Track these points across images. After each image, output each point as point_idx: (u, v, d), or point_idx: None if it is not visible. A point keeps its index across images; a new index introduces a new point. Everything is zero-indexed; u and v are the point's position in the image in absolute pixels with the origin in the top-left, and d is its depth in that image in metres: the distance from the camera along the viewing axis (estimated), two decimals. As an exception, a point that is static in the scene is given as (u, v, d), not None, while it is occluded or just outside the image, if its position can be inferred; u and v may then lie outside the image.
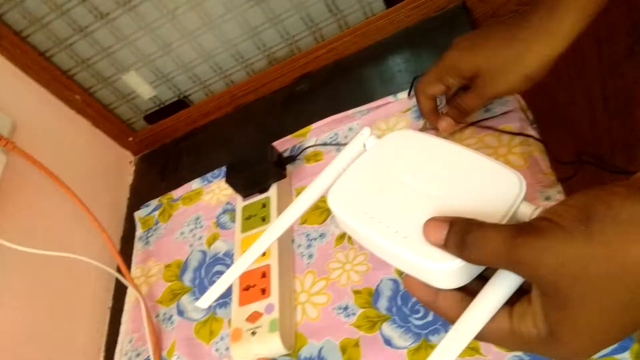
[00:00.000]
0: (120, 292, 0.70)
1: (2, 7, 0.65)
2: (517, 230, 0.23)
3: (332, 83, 0.74)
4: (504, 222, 0.26)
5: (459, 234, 0.25)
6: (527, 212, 0.27)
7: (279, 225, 0.35)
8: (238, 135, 0.78)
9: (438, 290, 0.28)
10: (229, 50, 0.74)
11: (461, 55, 0.46)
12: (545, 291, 0.23)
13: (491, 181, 0.28)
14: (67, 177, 0.65)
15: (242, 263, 0.34)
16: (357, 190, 0.32)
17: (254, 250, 0.34)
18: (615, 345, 0.39)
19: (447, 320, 0.28)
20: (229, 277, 0.34)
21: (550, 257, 0.22)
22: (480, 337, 0.26)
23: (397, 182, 0.30)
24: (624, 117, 0.87)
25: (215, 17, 0.69)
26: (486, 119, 0.56)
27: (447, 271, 0.26)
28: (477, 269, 0.27)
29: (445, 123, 0.51)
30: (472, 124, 0.56)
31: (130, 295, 0.68)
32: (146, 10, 0.67)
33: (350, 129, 0.66)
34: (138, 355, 0.61)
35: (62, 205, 0.67)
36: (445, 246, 0.26)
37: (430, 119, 0.53)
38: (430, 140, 0.32)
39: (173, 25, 0.69)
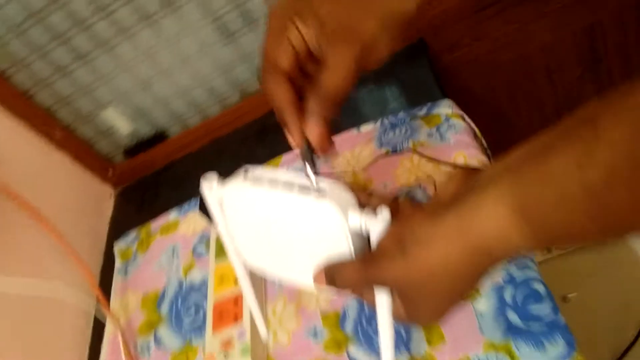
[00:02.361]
0: (99, 324, 0.72)
1: (-17, 50, 0.69)
2: (364, 263, 0.32)
3: (302, 115, 0.78)
4: (349, 246, 0.33)
5: (329, 277, 0.34)
6: (358, 223, 0.33)
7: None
8: (214, 167, 0.81)
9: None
10: (203, 86, 0.77)
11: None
12: (397, 293, 0.33)
13: (320, 219, 0.34)
14: (47, 211, 0.67)
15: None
16: (252, 247, 0.40)
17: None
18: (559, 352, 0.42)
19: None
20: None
21: (388, 274, 0.31)
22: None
23: (267, 235, 0.38)
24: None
25: (189, 55, 0.73)
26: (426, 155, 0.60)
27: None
28: None
29: (316, 128, 0.33)
30: (432, 158, 0.59)
31: (109, 327, 0.69)
32: (123, 50, 0.71)
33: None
34: (115, 385, 0.62)
35: (41, 239, 0.69)
36: (329, 287, 0.35)
37: (292, 126, 0.34)
38: (256, 192, 0.36)
39: (149, 64, 0.73)
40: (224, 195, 0.38)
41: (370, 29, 0.34)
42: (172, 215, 0.77)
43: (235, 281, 0.60)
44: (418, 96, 0.68)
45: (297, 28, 0.34)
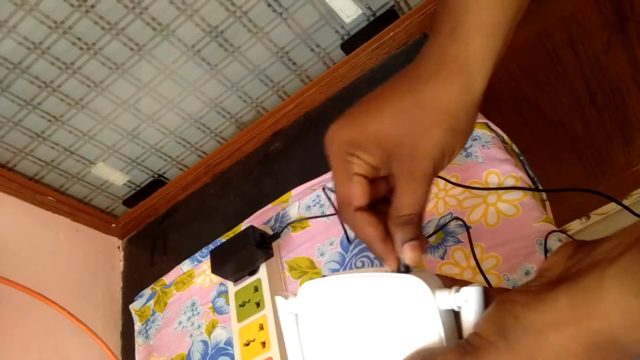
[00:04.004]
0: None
1: (-48, 130, 0.63)
2: (461, 354, 0.27)
3: (305, 137, 0.71)
4: (439, 329, 0.29)
5: None
6: (448, 301, 0.28)
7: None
8: (219, 204, 0.75)
9: None
10: (193, 124, 0.71)
11: (353, 125, 0.32)
12: None
13: (405, 297, 0.29)
14: (54, 282, 0.63)
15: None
16: (327, 354, 0.34)
17: None
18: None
19: None
20: None
21: None
22: None
23: (344, 335, 0.32)
24: (614, 107, 0.83)
25: (171, 97, 0.66)
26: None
27: None
28: None
29: (410, 253, 0.31)
30: (460, 185, 0.52)
31: (138, 401, 0.65)
32: (99, 105, 0.65)
33: (330, 188, 0.63)
34: None
35: (54, 320, 0.65)
36: None
37: (386, 256, 0.32)
38: (336, 281, 0.32)
39: (131, 113, 0.67)
40: (300, 305, 0.34)
41: (436, 139, 0.29)
42: (184, 266, 0.72)
43: (264, 345, 0.55)
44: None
45: (359, 158, 0.31)
